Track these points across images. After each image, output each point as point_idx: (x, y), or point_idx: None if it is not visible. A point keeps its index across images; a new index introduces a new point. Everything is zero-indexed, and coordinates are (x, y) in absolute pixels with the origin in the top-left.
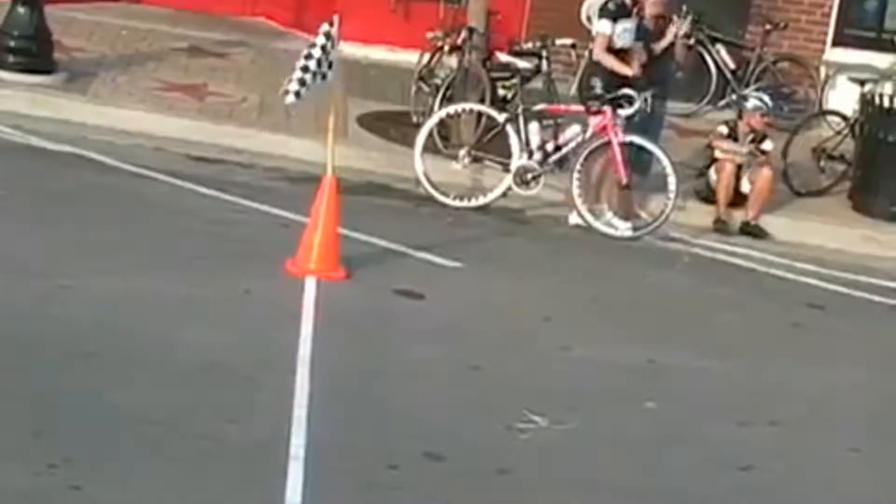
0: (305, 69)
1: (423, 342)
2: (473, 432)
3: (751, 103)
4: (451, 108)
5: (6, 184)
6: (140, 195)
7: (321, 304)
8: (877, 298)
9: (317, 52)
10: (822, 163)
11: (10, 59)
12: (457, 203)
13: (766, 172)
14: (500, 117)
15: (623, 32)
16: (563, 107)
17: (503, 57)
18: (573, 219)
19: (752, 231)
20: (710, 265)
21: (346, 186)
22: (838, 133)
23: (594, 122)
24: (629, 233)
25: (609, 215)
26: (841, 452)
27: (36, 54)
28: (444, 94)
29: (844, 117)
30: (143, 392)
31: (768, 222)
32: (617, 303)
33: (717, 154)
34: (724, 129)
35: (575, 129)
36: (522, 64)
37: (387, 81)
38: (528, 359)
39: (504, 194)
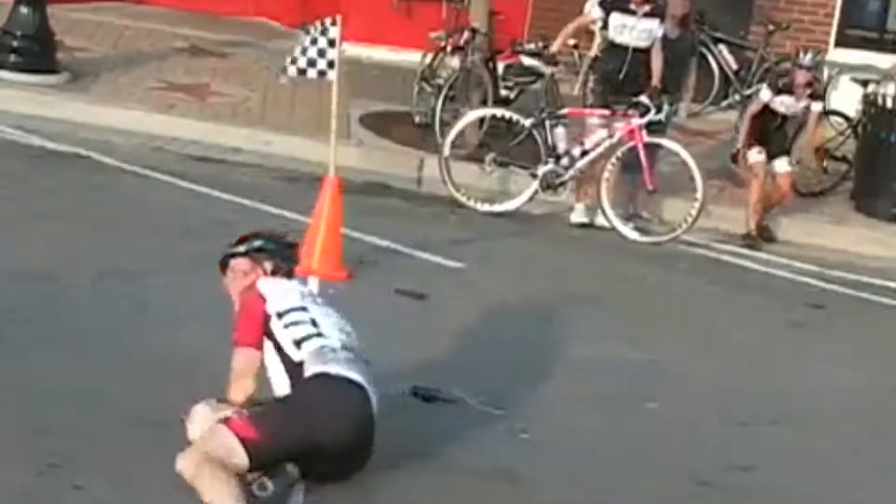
0: (304, 51)
1: (423, 342)
2: (473, 432)
3: (807, 58)
4: (479, 112)
5: (6, 184)
6: (141, 195)
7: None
8: (877, 299)
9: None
10: (825, 163)
11: (13, 58)
12: (483, 208)
13: (786, 190)
14: (527, 122)
15: (620, 28)
16: (587, 110)
17: (526, 60)
18: (574, 218)
19: (769, 237)
20: (710, 265)
21: (348, 186)
22: (841, 133)
23: (619, 125)
24: (655, 238)
25: (610, 216)
26: (841, 452)
27: (38, 54)
28: (446, 95)
29: (847, 118)
30: (144, 392)
31: (769, 222)
32: (618, 303)
33: (751, 159)
34: (759, 158)
35: (601, 133)
36: (545, 68)
37: (389, 81)
38: (529, 359)
39: (531, 199)
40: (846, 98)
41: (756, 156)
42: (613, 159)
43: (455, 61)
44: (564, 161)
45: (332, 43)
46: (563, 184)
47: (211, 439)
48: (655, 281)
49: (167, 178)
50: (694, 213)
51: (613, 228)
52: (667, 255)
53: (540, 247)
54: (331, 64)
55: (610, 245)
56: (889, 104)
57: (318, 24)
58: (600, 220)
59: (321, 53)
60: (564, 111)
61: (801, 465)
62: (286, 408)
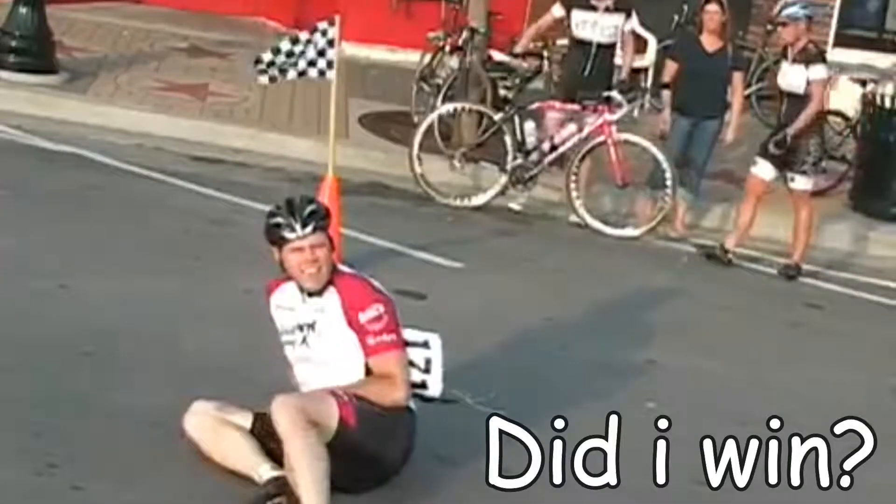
0: (290, 54)
1: None
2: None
3: (790, 10)
4: (448, 107)
5: (6, 184)
6: (141, 195)
7: None
8: (876, 298)
9: (302, 46)
10: (824, 163)
11: (12, 59)
12: (453, 203)
13: (803, 214)
14: (496, 116)
15: (582, 24)
16: (558, 105)
17: (498, 56)
18: (573, 217)
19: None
20: (709, 265)
21: (347, 186)
22: (839, 133)
23: (590, 120)
24: (628, 232)
25: (580, 210)
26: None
27: (37, 54)
28: (445, 95)
29: (846, 118)
30: (143, 392)
31: (769, 221)
32: (617, 302)
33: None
34: (752, 171)
35: (571, 127)
36: (517, 63)
37: (388, 82)
38: (529, 359)
39: (502, 193)
40: (845, 98)
41: (751, 167)
42: (582, 154)
43: (454, 61)
44: (534, 156)
45: (331, 43)
46: (532, 178)
47: (316, 401)
48: (654, 280)
49: (166, 178)
50: (666, 206)
51: (585, 223)
52: (666, 255)
53: (539, 247)
54: (330, 64)
55: (609, 245)
56: (888, 104)
57: (306, 33)
58: (599, 223)
59: (321, 53)
60: (535, 106)
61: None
62: (389, 426)
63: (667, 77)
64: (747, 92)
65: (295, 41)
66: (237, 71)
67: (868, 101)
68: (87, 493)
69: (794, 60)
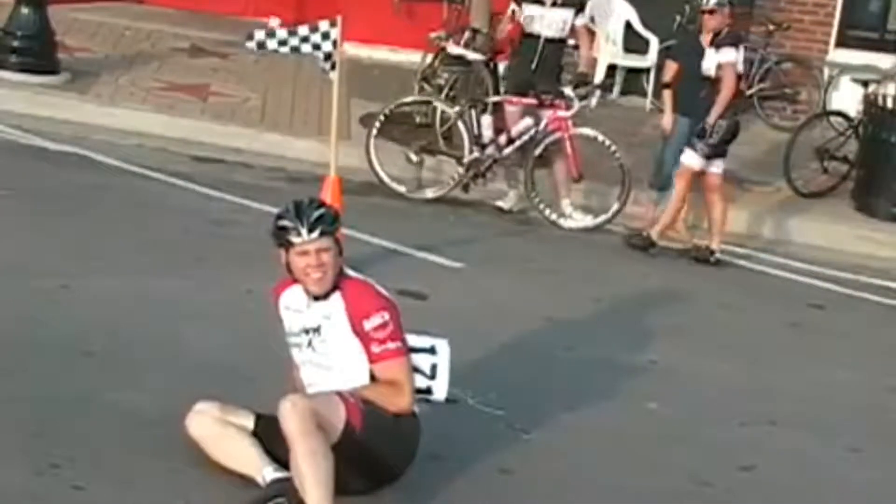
0: (283, 42)
1: None
2: (474, 432)
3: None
4: (401, 100)
5: (7, 184)
6: (141, 195)
7: None
8: (877, 298)
9: (296, 41)
10: (825, 163)
11: (13, 59)
12: (410, 195)
13: (718, 203)
14: (452, 110)
15: (530, 18)
16: (515, 99)
17: (454, 49)
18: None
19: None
20: (709, 265)
21: (348, 186)
22: (841, 134)
23: (547, 114)
24: (586, 223)
25: (569, 209)
26: (841, 452)
27: (39, 54)
28: (446, 95)
29: (847, 118)
30: (144, 392)
31: (770, 222)
32: (618, 303)
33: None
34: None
35: (528, 121)
36: (472, 56)
37: (389, 82)
38: (529, 359)
39: (464, 188)
40: (847, 98)
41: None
42: (539, 149)
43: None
44: (490, 149)
45: (333, 44)
46: (490, 169)
47: (324, 403)
48: (654, 281)
49: (167, 178)
50: (623, 199)
51: (543, 216)
52: (666, 255)
53: (539, 247)
54: (333, 65)
55: (609, 245)
56: (889, 104)
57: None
58: (556, 216)
59: (328, 57)
60: (492, 99)
61: (801, 465)
62: (394, 429)
63: (667, 77)
64: (749, 92)
65: (292, 33)
66: (238, 71)
67: (870, 102)
68: (87, 492)
69: (710, 44)
